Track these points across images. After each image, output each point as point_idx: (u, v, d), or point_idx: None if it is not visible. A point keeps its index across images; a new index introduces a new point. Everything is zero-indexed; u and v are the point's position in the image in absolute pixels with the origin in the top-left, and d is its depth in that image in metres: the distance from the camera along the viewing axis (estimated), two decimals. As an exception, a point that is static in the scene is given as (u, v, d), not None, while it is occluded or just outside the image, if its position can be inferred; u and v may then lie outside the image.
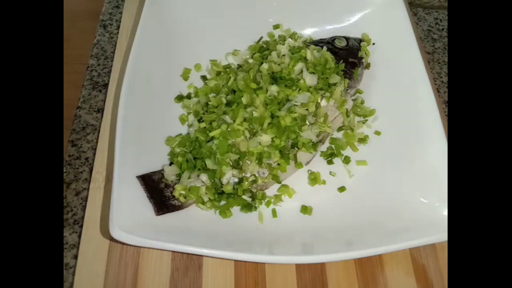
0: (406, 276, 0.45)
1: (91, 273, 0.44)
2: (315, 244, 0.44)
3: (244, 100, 0.48)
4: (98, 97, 0.57)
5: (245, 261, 0.44)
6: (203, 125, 0.49)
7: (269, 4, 0.60)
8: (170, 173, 0.47)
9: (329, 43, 0.55)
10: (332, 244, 0.43)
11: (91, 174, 0.50)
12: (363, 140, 0.52)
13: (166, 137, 0.50)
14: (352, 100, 0.53)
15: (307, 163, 0.49)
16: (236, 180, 0.46)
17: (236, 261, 0.45)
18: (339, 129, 0.53)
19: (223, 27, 0.58)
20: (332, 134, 0.52)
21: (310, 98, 0.48)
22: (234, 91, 0.51)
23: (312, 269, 0.45)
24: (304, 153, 0.48)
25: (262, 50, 0.56)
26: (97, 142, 0.52)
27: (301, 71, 0.50)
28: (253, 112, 0.47)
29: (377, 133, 0.52)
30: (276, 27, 0.59)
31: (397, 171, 0.48)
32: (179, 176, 0.47)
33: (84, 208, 0.48)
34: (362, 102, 0.54)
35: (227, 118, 0.48)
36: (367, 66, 0.57)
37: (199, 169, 0.46)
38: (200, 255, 0.45)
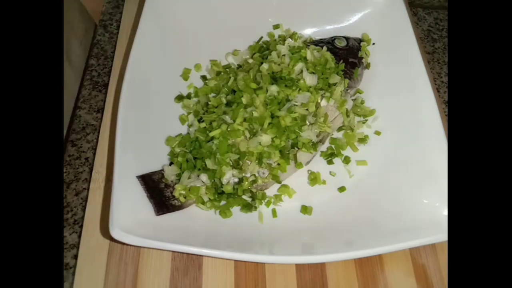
0: (406, 276, 0.45)
1: (91, 273, 0.44)
2: (315, 244, 0.44)
3: (244, 100, 0.48)
4: (98, 97, 0.57)
5: (245, 261, 0.44)
6: (203, 125, 0.49)
7: (269, 4, 0.60)
8: (170, 173, 0.47)
9: (329, 43, 0.55)
10: (332, 244, 0.43)
11: (91, 174, 0.50)
12: (363, 140, 0.52)
13: (166, 137, 0.50)
14: (352, 100, 0.53)
15: (307, 163, 0.49)
16: (236, 180, 0.46)
17: (236, 261, 0.45)
18: (339, 129, 0.53)
19: (223, 27, 0.58)
20: (332, 134, 0.52)
21: (310, 98, 0.48)
22: (234, 91, 0.51)
23: (312, 269, 0.45)
24: (304, 153, 0.48)
25: (262, 50, 0.56)
26: (97, 142, 0.52)
27: (301, 71, 0.50)
28: (253, 112, 0.47)
29: (377, 133, 0.52)
30: (276, 27, 0.59)
31: (397, 171, 0.48)
32: (179, 176, 0.47)
33: (84, 208, 0.48)
34: (362, 102, 0.54)
35: (227, 118, 0.48)
36: (367, 66, 0.57)
37: (199, 169, 0.46)
38: (200, 255, 0.45)
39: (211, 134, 0.47)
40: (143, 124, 0.48)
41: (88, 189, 0.49)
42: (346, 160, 0.50)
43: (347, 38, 0.56)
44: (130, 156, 0.45)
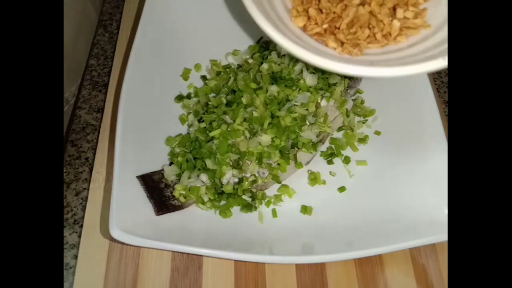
0: (406, 276, 0.45)
1: (91, 273, 0.44)
2: (315, 244, 0.44)
3: (244, 100, 0.48)
4: (98, 97, 0.57)
5: (245, 261, 0.44)
6: (203, 125, 0.49)
7: (269, 4, 0.60)
8: (170, 173, 0.47)
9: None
10: (332, 244, 0.43)
11: (91, 174, 0.50)
12: (363, 140, 0.52)
13: (166, 137, 0.50)
14: (352, 100, 0.53)
15: (307, 163, 0.49)
16: (236, 180, 0.46)
17: (236, 261, 0.45)
18: (339, 129, 0.53)
19: (223, 27, 0.58)
20: (332, 134, 0.52)
21: (310, 98, 0.48)
22: (234, 91, 0.51)
23: (312, 269, 0.45)
24: (304, 153, 0.48)
25: (262, 50, 0.56)
26: (97, 142, 0.52)
27: (301, 71, 0.50)
28: (253, 112, 0.47)
29: (377, 133, 0.52)
30: (276, 27, 0.59)
31: (397, 171, 0.48)
32: (179, 176, 0.47)
33: (84, 208, 0.48)
34: (362, 102, 0.54)
35: (227, 118, 0.48)
36: (367, 66, 0.57)
37: (199, 169, 0.46)
38: (200, 255, 0.45)
39: (211, 134, 0.47)
40: (143, 124, 0.48)
41: (88, 189, 0.49)
42: (346, 160, 0.50)
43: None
44: (130, 156, 0.45)
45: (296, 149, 0.48)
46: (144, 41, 0.52)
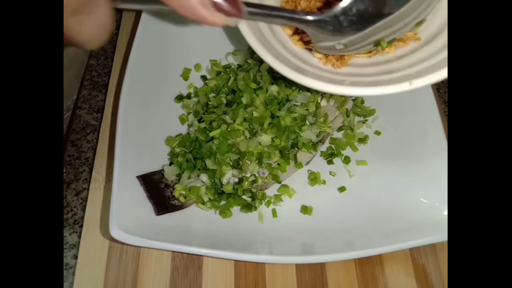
0: (406, 276, 0.45)
1: (91, 273, 0.44)
2: (315, 244, 0.44)
3: (244, 100, 0.48)
4: (98, 97, 0.57)
5: (245, 261, 0.44)
6: (203, 125, 0.49)
7: (269, 4, 0.60)
8: (170, 173, 0.47)
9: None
10: (332, 244, 0.43)
11: (91, 174, 0.50)
12: (363, 140, 0.52)
13: (166, 137, 0.50)
14: (352, 100, 0.53)
15: (307, 163, 0.49)
16: (236, 180, 0.46)
17: (236, 261, 0.45)
18: (339, 129, 0.53)
19: (223, 27, 0.58)
20: (332, 134, 0.52)
21: (310, 98, 0.48)
22: (234, 91, 0.51)
23: (312, 269, 0.45)
24: (304, 153, 0.48)
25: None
26: (97, 142, 0.52)
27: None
28: (253, 112, 0.47)
29: (377, 133, 0.52)
30: (276, 27, 0.59)
31: (397, 171, 0.48)
32: (179, 176, 0.47)
33: (84, 208, 0.48)
34: (362, 102, 0.54)
35: (227, 118, 0.48)
36: (367, 66, 0.57)
37: (199, 169, 0.46)
38: (200, 255, 0.45)
39: (211, 134, 0.47)
40: (143, 124, 0.48)
41: (88, 189, 0.49)
42: (346, 160, 0.50)
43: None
44: (130, 156, 0.45)
45: (296, 149, 0.48)
46: (144, 41, 0.52)
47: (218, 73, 0.56)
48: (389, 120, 0.52)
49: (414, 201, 0.45)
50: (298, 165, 0.48)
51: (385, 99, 0.54)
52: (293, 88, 0.49)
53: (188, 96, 0.54)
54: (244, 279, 0.44)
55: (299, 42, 0.43)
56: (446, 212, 0.42)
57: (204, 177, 0.46)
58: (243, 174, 0.46)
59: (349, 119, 0.51)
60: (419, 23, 0.40)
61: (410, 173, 0.47)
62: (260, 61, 0.53)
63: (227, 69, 0.56)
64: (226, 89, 0.52)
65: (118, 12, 0.66)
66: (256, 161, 0.46)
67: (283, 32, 0.43)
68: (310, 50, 0.42)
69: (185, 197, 0.46)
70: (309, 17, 0.35)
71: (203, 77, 0.56)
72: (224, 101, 0.51)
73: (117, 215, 0.40)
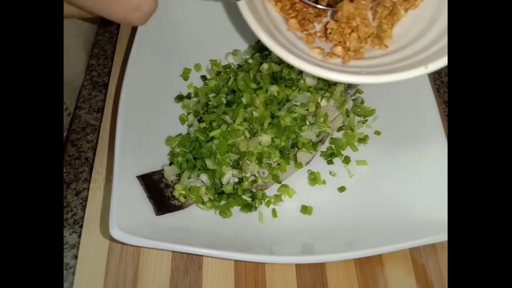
0: (406, 276, 0.45)
1: (91, 273, 0.44)
2: (315, 244, 0.44)
3: (244, 100, 0.48)
4: (98, 97, 0.57)
5: (245, 261, 0.44)
6: (203, 125, 0.49)
7: (269, 4, 0.59)
8: (170, 173, 0.47)
9: (329, 43, 0.55)
10: (332, 244, 0.43)
11: (91, 174, 0.50)
12: (363, 140, 0.52)
13: (166, 137, 0.50)
14: (352, 100, 0.53)
15: (307, 163, 0.49)
16: (236, 180, 0.46)
17: (236, 261, 0.45)
18: (339, 129, 0.53)
19: (223, 27, 0.58)
20: (332, 134, 0.52)
21: (310, 98, 0.48)
22: (234, 91, 0.51)
23: (312, 269, 0.45)
24: (304, 153, 0.48)
25: (262, 50, 0.56)
26: (97, 142, 0.52)
27: (301, 71, 0.50)
28: (253, 112, 0.47)
29: (377, 133, 0.52)
30: (276, 27, 0.59)
31: (397, 171, 0.48)
32: (179, 176, 0.47)
33: (84, 208, 0.48)
34: (362, 102, 0.54)
35: (227, 118, 0.48)
36: (367, 66, 0.57)
37: (199, 169, 0.46)
38: (200, 255, 0.45)
39: (211, 134, 0.47)
40: (143, 124, 0.48)
41: (88, 189, 0.49)
42: (346, 160, 0.50)
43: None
44: (130, 156, 0.45)
45: (296, 149, 0.48)
46: (144, 41, 0.52)
47: (218, 73, 0.56)
48: (389, 120, 0.52)
49: (414, 201, 0.45)
50: (298, 165, 0.48)
51: (385, 99, 0.54)
52: (293, 88, 0.49)
53: (188, 96, 0.54)
54: (244, 279, 0.44)
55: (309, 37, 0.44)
56: (446, 212, 0.42)
57: (204, 177, 0.46)
58: (243, 174, 0.46)
59: (349, 119, 0.51)
60: None
61: (410, 173, 0.47)
62: (260, 61, 0.53)
63: (227, 69, 0.56)
64: (226, 89, 0.52)
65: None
66: (256, 161, 0.46)
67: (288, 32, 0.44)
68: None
69: (185, 197, 0.46)
70: None
71: (203, 77, 0.56)
72: (224, 101, 0.51)
73: (117, 215, 0.40)
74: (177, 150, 0.49)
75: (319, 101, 0.49)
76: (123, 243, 0.42)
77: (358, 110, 0.53)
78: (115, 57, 0.59)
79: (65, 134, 0.58)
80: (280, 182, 0.48)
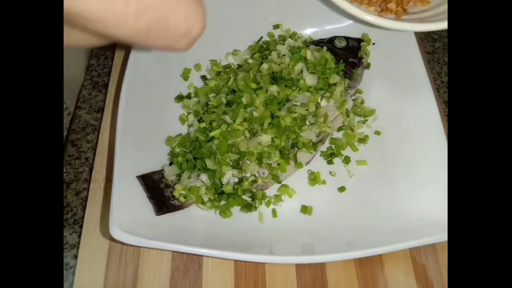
0: (406, 276, 0.45)
1: (91, 272, 0.44)
2: (315, 244, 0.44)
3: (244, 100, 0.48)
4: (98, 97, 0.57)
5: (245, 261, 0.44)
6: (203, 125, 0.49)
7: (269, 4, 0.60)
8: (170, 173, 0.47)
9: (329, 43, 0.55)
10: (332, 244, 0.43)
11: (91, 174, 0.50)
12: (363, 140, 0.52)
13: (166, 137, 0.50)
14: (352, 100, 0.53)
15: (307, 163, 0.49)
16: (236, 180, 0.46)
17: (236, 261, 0.45)
18: (339, 129, 0.53)
19: (223, 27, 0.58)
20: (332, 134, 0.52)
21: (310, 98, 0.48)
22: (234, 91, 0.51)
23: (312, 269, 0.45)
24: (304, 153, 0.48)
25: (262, 50, 0.56)
26: (97, 142, 0.52)
27: (301, 71, 0.50)
28: (253, 112, 0.47)
29: (377, 133, 0.52)
30: (276, 27, 0.59)
31: (397, 171, 0.48)
32: (179, 176, 0.47)
33: (84, 208, 0.48)
34: (362, 102, 0.54)
35: (227, 118, 0.48)
36: (367, 66, 0.57)
37: (199, 169, 0.46)
38: (200, 255, 0.45)
39: (211, 134, 0.47)
40: (143, 124, 0.48)
41: (88, 189, 0.49)
42: (346, 160, 0.50)
43: (347, 38, 0.56)
44: (130, 156, 0.45)
45: (296, 149, 0.48)
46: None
47: (218, 73, 0.56)
48: (389, 120, 0.52)
49: (414, 201, 0.45)
50: (298, 165, 0.48)
51: (385, 99, 0.54)
52: (293, 88, 0.49)
53: (188, 96, 0.54)
54: (244, 279, 0.44)
55: None
56: (446, 212, 0.42)
57: (204, 177, 0.46)
58: (243, 174, 0.46)
59: (349, 119, 0.51)
60: None
61: (410, 173, 0.47)
62: (260, 61, 0.53)
63: (227, 69, 0.56)
64: (226, 89, 0.52)
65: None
66: (256, 161, 0.46)
67: None
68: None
69: (185, 197, 0.46)
70: None
71: (203, 77, 0.56)
72: (224, 101, 0.51)
73: (117, 215, 0.40)
74: (177, 150, 0.49)
75: (319, 101, 0.49)
76: (123, 243, 0.42)
77: (358, 110, 0.53)
78: (115, 57, 0.59)
79: (65, 134, 0.58)
80: (280, 182, 0.48)
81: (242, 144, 0.45)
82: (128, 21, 0.17)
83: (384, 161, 0.49)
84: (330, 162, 0.51)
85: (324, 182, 0.49)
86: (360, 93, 0.55)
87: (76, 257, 0.45)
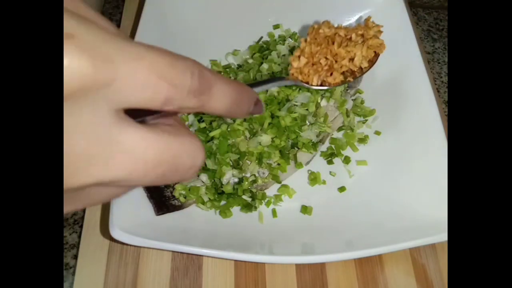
0: (406, 276, 0.45)
1: (91, 273, 0.44)
2: (315, 244, 0.44)
3: (244, 100, 0.48)
4: (98, 97, 0.57)
5: (245, 261, 0.44)
6: (203, 125, 0.49)
7: (269, 4, 0.60)
8: (170, 173, 0.47)
9: (329, 43, 0.55)
10: (332, 244, 0.43)
11: (91, 174, 0.50)
12: (363, 140, 0.52)
13: (166, 137, 0.50)
14: (352, 100, 0.53)
15: (307, 163, 0.49)
16: (236, 180, 0.46)
17: (236, 261, 0.45)
18: (339, 129, 0.53)
19: (223, 27, 0.58)
20: (332, 134, 0.52)
21: (310, 98, 0.48)
22: (234, 91, 0.51)
23: (312, 269, 0.45)
24: (304, 153, 0.48)
25: (262, 50, 0.56)
26: (97, 142, 0.52)
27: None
28: (253, 112, 0.47)
29: (377, 133, 0.52)
30: (276, 27, 0.59)
31: (397, 171, 0.48)
32: (179, 176, 0.47)
33: (84, 208, 0.48)
34: (362, 102, 0.54)
35: (227, 118, 0.48)
36: (367, 66, 0.57)
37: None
38: (200, 255, 0.45)
39: (211, 134, 0.47)
40: (143, 124, 0.48)
41: (88, 189, 0.49)
42: (346, 160, 0.50)
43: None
44: (130, 156, 0.45)
45: (296, 149, 0.48)
46: (144, 41, 0.52)
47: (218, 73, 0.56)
48: (389, 120, 0.52)
49: (414, 201, 0.45)
50: (298, 165, 0.48)
51: (385, 99, 0.54)
52: (293, 88, 0.49)
53: (188, 96, 0.54)
54: (244, 279, 0.44)
55: None
56: (446, 212, 0.42)
57: (204, 177, 0.46)
58: (243, 174, 0.46)
59: (349, 119, 0.51)
60: None
61: (410, 173, 0.47)
62: (260, 61, 0.53)
63: (227, 69, 0.56)
64: (226, 89, 0.52)
65: (119, 12, 0.66)
66: (256, 161, 0.46)
67: None
68: None
69: (185, 197, 0.46)
70: None
71: (203, 77, 0.56)
72: (224, 101, 0.51)
73: (117, 215, 0.40)
74: (177, 150, 0.49)
75: (319, 101, 0.49)
76: (123, 243, 0.42)
77: (358, 110, 0.53)
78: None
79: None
80: (280, 182, 0.48)
81: (242, 144, 0.45)
82: (148, 174, 0.20)
83: (384, 161, 0.49)
84: (330, 162, 0.50)
85: (324, 182, 0.49)
86: (360, 93, 0.55)
87: (76, 257, 0.45)
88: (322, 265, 0.45)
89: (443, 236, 0.40)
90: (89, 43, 0.17)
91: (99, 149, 0.19)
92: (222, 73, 0.56)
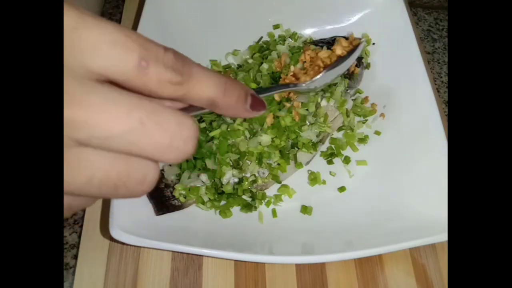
0: (406, 276, 0.45)
1: (91, 273, 0.44)
2: (315, 244, 0.44)
3: (244, 100, 0.48)
4: (98, 97, 0.57)
5: (245, 261, 0.44)
6: (203, 125, 0.49)
7: (269, 4, 0.60)
8: (170, 173, 0.47)
9: (329, 43, 0.55)
10: (332, 244, 0.43)
11: (91, 174, 0.50)
12: (363, 140, 0.52)
13: (166, 137, 0.50)
14: (352, 100, 0.53)
15: (307, 163, 0.49)
16: (236, 180, 0.46)
17: (236, 261, 0.45)
18: (339, 129, 0.53)
19: (223, 27, 0.58)
20: (332, 134, 0.52)
21: (310, 98, 0.48)
22: (234, 91, 0.51)
23: (312, 269, 0.45)
24: (304, 153, 0.48)
25: (262, 50, 0.56)
26: (97, 142, 0.52)
27: (301, 71, 0.50)
28: (253, 112, 0.47)
29: (377, 133, 0.52)
30: (276, 27, 0.59)
31: (397, 171, 0.48)
32: (179, 176, 0.47)
33: (84, 208, 0.48)
34: (362, 102, 0.54)
35: (227, 118, 0.48)
36: (367, 66, 0.57)
37: (199, 169, 0.46)
38: (200, 255, 0.45)
39: (211, 134, 0.47)
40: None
41: (88, 189, 0.49)
42: (346, 160, 0.50)
43: (347, 38, 0.56)
44: (130, 156, 0.45)
45: (296, 149, 0.48)
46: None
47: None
48: (389, 120, 0.52)
49: (414, 201, 0.45)
50: (298, 165, 0.48)
51: (385, 99, 0.54)
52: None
53: (188, 96, 0.54)
54: (244, 279, 0.44)
55: None
56: (446, 212, 0.42)
57: (204, 177, 0.46)
58: (243, 174, 0.46)
59: (349, 119, 0.51)
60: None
61: (410, 173, 0.47)
62: (260, 61, 0.53)
63: (227, 69, 0.56)
64: (226, 89, 0.52)
65: (118, 12, 0.66)
66: (256, 161, 0.46)
67: None
68: None
69: (185, 197, 0.46)
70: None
71: (203, 77, 0.56)
72: (224, 101, 0.51)
73: (117, 215, 0.40)
74: (177, 150, 0.49)
75: (319, 101, 0.49)
76: (123, 243, 0.42)
77: (358, 110, 0.53)
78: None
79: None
80: (280, 182, 0.48)
81: (242, 144, 0.45)
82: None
83: (384, 161, 0.49)
84: (330, 162, 0.50)
85: (324, 182, 0.49)
86: (360, 93, 0.55)
87: (76, 257, 0.45)
88: (322, 265, 0.45)
89: (443, 236, 0.40)
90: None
91: None
92: (222, 73, 0.56)
